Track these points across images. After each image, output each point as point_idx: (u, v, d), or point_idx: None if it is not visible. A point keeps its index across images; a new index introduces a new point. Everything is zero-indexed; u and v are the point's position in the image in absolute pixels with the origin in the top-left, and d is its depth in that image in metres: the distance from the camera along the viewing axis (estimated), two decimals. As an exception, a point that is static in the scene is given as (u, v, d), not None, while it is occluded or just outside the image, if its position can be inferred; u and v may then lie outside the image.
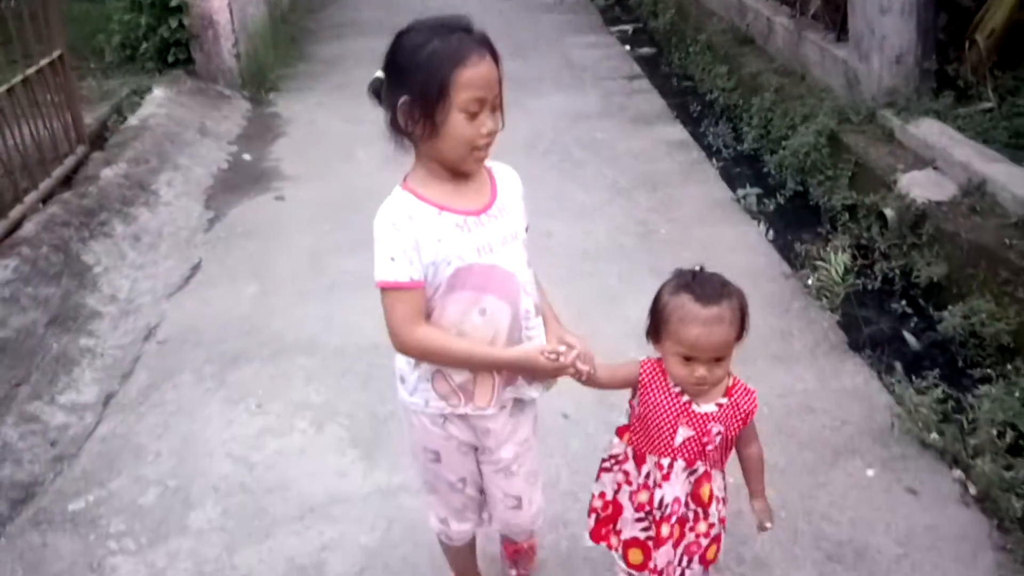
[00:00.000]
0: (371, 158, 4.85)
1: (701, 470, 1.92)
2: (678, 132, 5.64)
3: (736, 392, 1.89)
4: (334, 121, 5.90)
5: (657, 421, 1.89)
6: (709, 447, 1.89)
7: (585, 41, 7.76)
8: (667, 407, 1.88)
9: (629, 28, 8.43)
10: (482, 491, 2.05)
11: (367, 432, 2.94)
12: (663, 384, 1.88)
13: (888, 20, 4.69)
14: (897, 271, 3.94)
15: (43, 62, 4.47)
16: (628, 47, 7.77)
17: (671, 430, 1.88)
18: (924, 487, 2.64)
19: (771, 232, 4.38)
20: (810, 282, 3.82)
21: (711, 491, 1.94)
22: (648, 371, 1.91)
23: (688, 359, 1.80)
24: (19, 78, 4.25)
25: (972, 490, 2.61)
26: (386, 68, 1.70)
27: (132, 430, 3.01)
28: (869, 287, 3.84)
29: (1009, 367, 3.10)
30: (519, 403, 1.93)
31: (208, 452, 2.88)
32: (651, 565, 1.97)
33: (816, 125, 4.93)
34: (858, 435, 2.85)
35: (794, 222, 4.53)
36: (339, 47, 7.68)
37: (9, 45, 4.31)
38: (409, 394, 1.88)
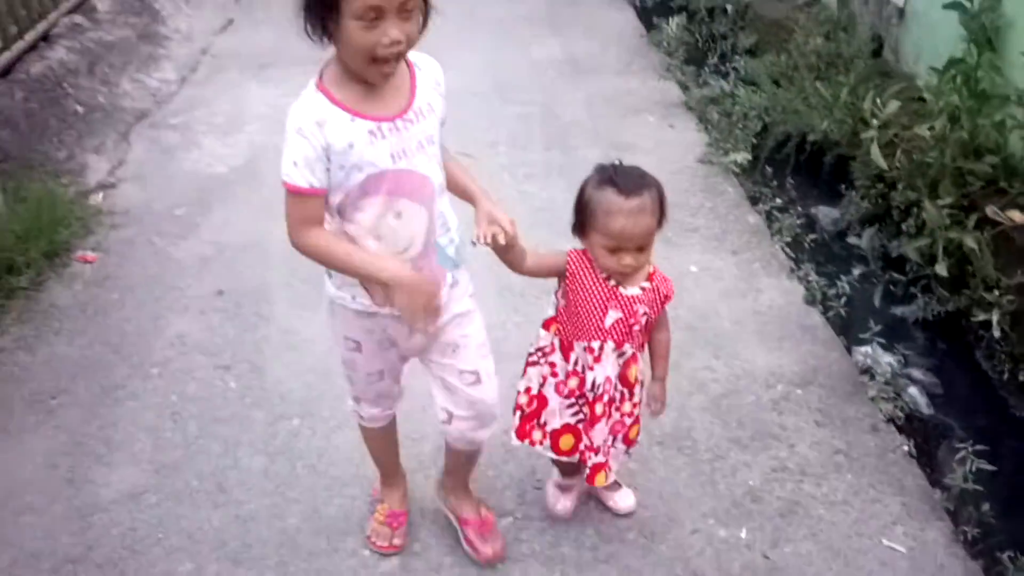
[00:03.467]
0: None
1: (629, 352, 1.99)
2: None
3: (656, 278, 1.98)
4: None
5: (587, 306, 1.94)
6: (636, 327, 1.96)
7: None
8: (596, 292, 1.93)
9: None
10: (398, 382, 2.04)
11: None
12: (590, 271, 1.94)
13: None
14: (728, 45, 5.64)
15: None
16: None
17: (601, 313, 1.94)
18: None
19: (642, 18, 6.09)
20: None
21: (637, 373, 2.03)
22: (575, 260, 1.95)
23: (614, 250, 1.87)
24: None
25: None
26: None
27: (201, 93, 4.77)
28: (705, 51, 5.56)
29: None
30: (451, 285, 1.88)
31: (249, 103, 4.63)
32: (582, 447, 2.05)
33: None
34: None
35: (663, 13, 6.22)
36: None
37: None
38: (336, 288, 1.85)
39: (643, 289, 1.96)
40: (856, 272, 3.47)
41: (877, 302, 3.33)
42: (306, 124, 1.62)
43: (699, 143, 4.24)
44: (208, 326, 2.98)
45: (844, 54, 4.54)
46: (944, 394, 2.95)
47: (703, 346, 2.89)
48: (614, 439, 2.08)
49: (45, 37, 4.70)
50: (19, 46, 4.45)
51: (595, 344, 1.96)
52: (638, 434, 2.14)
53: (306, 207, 1.68)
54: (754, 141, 4.20)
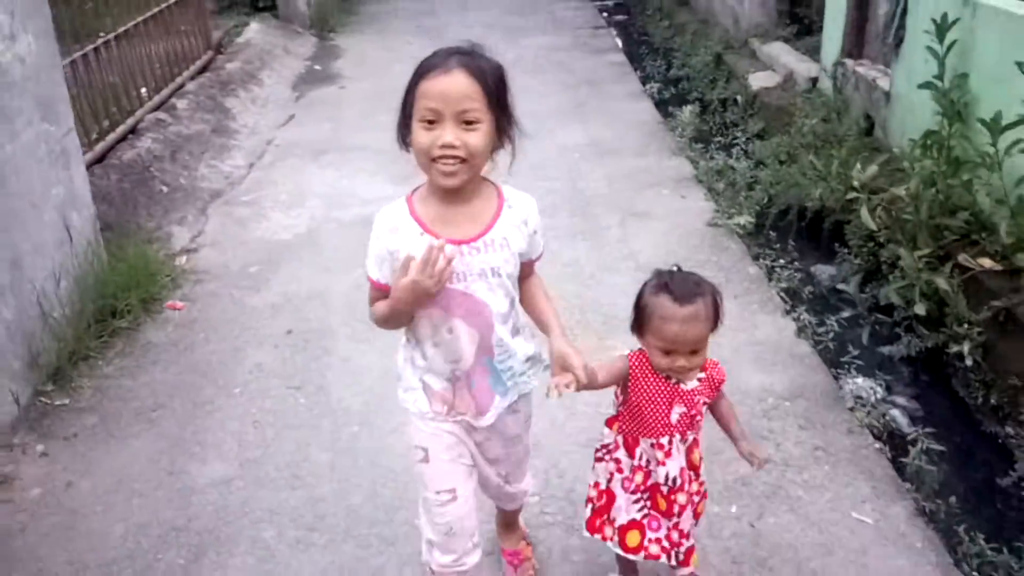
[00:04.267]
0: (403, 71, 7.25)
1: (691, 439, 2.10)
2: (620, 58, 8.01)
3: (709, 367, 2.07)
4: (376, 50, 8.33)
5: (652, 405, 2.03)
6: (698, 418, 2.07)
7: (568, 6, 10.15)
8: (660, 391, 2.02)
9: (610, 2, 10.77)
10: (471, 515, 2.01)
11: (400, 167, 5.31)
12: (651, 371, 2.02)
13: (750, -26, 7.03)
14: (739, 132, 6.22)
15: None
16: (606, 13, 10.12)
17: (666, 410, 2.03)
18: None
19: (660, 108, 6.71)
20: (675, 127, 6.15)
21: (699, 454, 2.13)
22: (636, 362, 2.04)
23: (668, 352, 1.96)
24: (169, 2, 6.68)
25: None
26: None
27: (267, 176, 5.43)
28: (717, 137, 6.15)
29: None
30: (509, 408, 1.98)
31: (310, 184, 5.26)
32: (646, 541, 2.12)
33: (707, 50, 7.27)
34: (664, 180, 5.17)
35: (679, 104, 6.84)
36: (379, 7, 10.16)
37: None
38: (402, 392, 1.97)
39: (700, 381, 2.06)
40: (845, 314, 3.91)
41: (865, 340, 3.76)
42: (382, 229, 1.81)
43: (708, 210, 4.75)
44: (280, 357, 3.50)
45: (838, 133, 5.09)
46: (924, 416, 3.35)
47: (705, 370, 3.34)
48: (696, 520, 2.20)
49: (133, 130, 5.41)
50: (112, 137, 5.16)
51: (663, 440, 2.06)
52: (704, 505, 2.23)
53: (376, 294, 1.87)
54: (758, 208, 4.71)
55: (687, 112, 6.12)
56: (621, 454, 2.12)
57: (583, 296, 3.77)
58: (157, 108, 5.80)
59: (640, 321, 2.02)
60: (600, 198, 4.95)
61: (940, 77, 3.94)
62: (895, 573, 2.44)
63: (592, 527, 2.19)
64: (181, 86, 6.39)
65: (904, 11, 4.66)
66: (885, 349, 3.74)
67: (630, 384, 2.05)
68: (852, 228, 4.27)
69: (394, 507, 2.68)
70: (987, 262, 3.50)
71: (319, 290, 3.96)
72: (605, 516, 2.16)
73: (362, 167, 5.47)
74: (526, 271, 1.95)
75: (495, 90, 1.73)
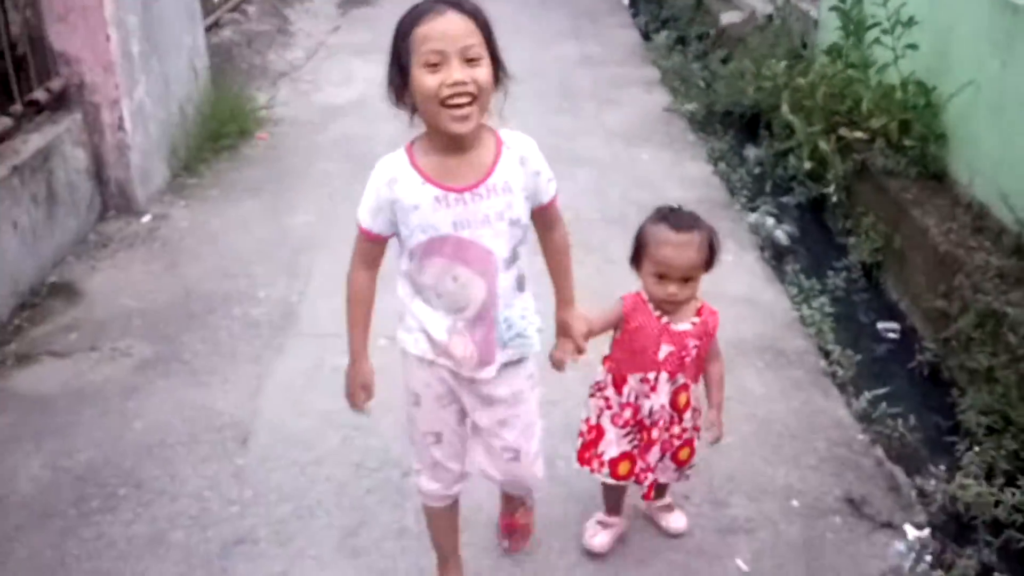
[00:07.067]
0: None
1: (680, 381, 2.18)
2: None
3: (704, 312, 2.17)
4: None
5: (642, 342, 2.14)
6: (687, 359, 2.16)
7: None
8: (650, 328, 2.13)
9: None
10: (458, 458, 2.06)
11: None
12: (645, 310, 2.13)
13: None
14: (708, 59, 7.54)
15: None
16: None
17: (655, 347, 2.13)
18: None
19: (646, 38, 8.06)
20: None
21: (687, 399, 2.21)
22: (630, 302, 2.16)
23: (661, 277, 2.06)
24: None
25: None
26: None
27: (322, 65, 6.85)
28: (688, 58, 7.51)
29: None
30: (508, 364, 1.95)
31: (356, 71, 6.63)
32: (637, 470, 2.24)
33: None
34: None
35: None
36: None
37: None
38: (403, 331, 1.96)
39: (693, 324, 2.15)
40: (756, 171, 5.29)
41: (768, 189, 5.13)
42: (381, 180, 1.80)
43: (667, 102, 6.13)
44: (339, 168, 4.90)
45: (776, 53, 6.43)
46: (800, 236, 4.73)
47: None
48: (662, 456, 2.27)
49: (216, 23, 6.78)
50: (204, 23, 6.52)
51: (651, 375, 2.16)
52: (690, 455, 2.31)
53: (363, 246, 1.90)
54: (707, 103, 6.07)
55: (663, 36, 7.49)
56: (610, 391, 2.23)
57: (561, 147, 5.14)
58: (233, 10, 7.16)
59: (638, 251, 2.13)
60: (584, 91, 6.32)
61: (843, 1, 5.27)
62: (747, 290, 3.81)
63: (582, 459, 2.30)
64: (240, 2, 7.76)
65: (828, -47, 6.00)
66: (783, 199, 5.12)
67: (624, 322, 2.17)
68: (776, 117, 5.63)
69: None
70: (858, 133, 4.86)
71: (366, 134, 5.33)
72: (594, 450, 2.26)
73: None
74: (544, 219, 1.96)
75: (487, 29, 1.75)
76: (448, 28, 1.69)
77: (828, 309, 3.72)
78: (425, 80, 1.69)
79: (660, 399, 2.19)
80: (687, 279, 2.08)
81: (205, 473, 2.68)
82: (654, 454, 2.25)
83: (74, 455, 2.74)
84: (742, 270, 3.94)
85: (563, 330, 2.06)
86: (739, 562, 2.40)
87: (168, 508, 2.55)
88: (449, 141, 1.77)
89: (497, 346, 1.91)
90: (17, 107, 3.69)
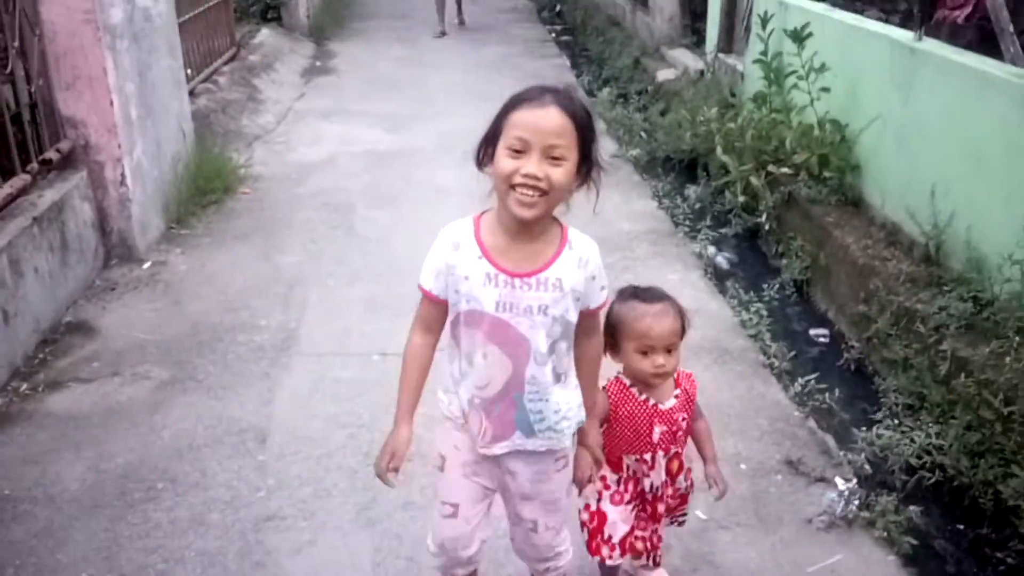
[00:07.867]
0: (387, 67, 9.21)
1: (673, 451, 2.23)
2: (562, 62, 10.10)
3: (682, 380, 2.20)
4: (364, 52, 10.32)
5: (633, 426, 2.15)
6: (679, 434, 2.21)
7: (523, 26, 12.24)
8: (640, 414, 2.14)
9: (559, 27, 12.86)
10: (469, 539, 2.08)
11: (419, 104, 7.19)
12: (630, 395, 2.15)
13: (654, -7, 9.12)
14: (645, 110, 8.20)
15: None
16: (553, 33, 12.20)
17: (648, 430, 2.15)
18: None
19: (590, 95, 8.70)
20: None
21: (679, 464, 2.27)
22: (614, 390, 2.16)
23: (645, 353, 2.07)
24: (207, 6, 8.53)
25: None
26: None
27: (292, 128, 7.32)
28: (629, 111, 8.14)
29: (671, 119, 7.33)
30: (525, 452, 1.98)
31: (324, 132, 7.12)
32: (632, 539, 2.28)
33: (629, 56, 9.32)
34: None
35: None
36: (363, 23, 12.19)
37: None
38: (443, 392, 2.00)
39: (676, 397, 2.18)
40: (697, 207, 5.85)
41: (708, 221, 5.69)
42: (445, 244, 1.86)
43: (612, 149, 6.70)
44: (320, 215, 5.36)
45: (708, 103, 7.09)
46: (738, 261, 5.28)
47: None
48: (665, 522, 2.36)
49: (191, 92, 7.23)
50: (177, 97, 6.98)
51: (647, 456, 2.19)
52: (684, 504, 2.39)
53: (424, 309, 1.95)
54: (649, 149, 6.66)
55: (605, 92, 8.13)
56: (606, 471, 2.22)
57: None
58: (205, 80, 7.63)
59: (614, 334, 2.12)
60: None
61: (765, 54, 5.93)
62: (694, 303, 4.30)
63: (592, 549, 2.27)
64: (215, 71, 8.24)
65: (750, 13, 6.70)
66: (722, 230, 5.68)
67: (612, 409, 2.16)
68: (711, 159, 6.24)
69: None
70: (784, 169, 5.46)
71: (341, 186, 5.82)
72: (599, 537, 2.25)
73: (361, 122, 7.40)
74: (585, 325, 1.96)
75: (584, 131, 1.77)
76: (541, 122, 1.72)
77: (765, 315, 4.23)
78: (504, 162, 1.75)
79: (660, 476, 2.23)
80: (669, 349, 2.10)
81: (231, 468, 3.06)
82: (664, 526, 2.35)
83: (112, 459, 3.10)
84: (689, 286, 4.45)
85: (580, 437, 2.08)
86: (698, 512, 2.84)
87: (203, 495, 2.92)
88: (513, 222, 1.81)
89: (518, 429, 1.95)
90: (33, 165, 4.09)
